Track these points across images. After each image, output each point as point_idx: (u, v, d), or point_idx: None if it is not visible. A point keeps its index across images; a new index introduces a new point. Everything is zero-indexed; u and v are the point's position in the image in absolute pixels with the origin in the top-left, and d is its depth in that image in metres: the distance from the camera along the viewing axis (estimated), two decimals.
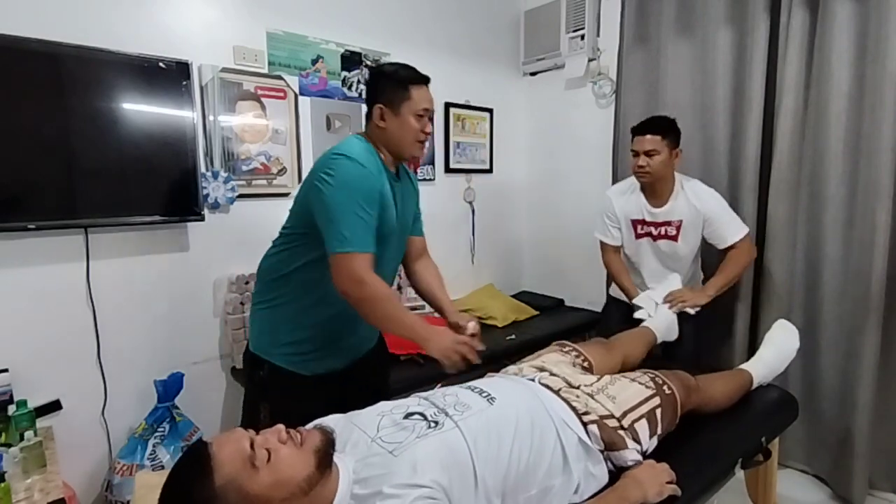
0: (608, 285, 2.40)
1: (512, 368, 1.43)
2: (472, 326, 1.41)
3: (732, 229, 1.91)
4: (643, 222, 2.01)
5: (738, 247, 1.91)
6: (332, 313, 1.34)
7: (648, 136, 1.88)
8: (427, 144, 1.39)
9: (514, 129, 3.16)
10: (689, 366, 1.58)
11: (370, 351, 1.52)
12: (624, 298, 2.10)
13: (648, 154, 1.87)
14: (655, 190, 1.95)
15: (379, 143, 1.35)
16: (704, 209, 1.91)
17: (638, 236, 2.04)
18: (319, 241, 1.24)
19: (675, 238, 1.96)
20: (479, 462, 0.95)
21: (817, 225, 2.01)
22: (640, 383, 1.30)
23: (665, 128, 1.89)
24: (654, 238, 2.01)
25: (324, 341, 1.36)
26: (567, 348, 1.54)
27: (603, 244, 2.14)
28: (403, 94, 1.31)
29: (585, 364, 1.49)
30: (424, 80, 1.36)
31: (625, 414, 1.20)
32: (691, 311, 1.87)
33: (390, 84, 1.33)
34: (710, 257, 2.08)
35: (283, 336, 1.36)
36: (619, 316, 2.11)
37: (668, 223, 1.96)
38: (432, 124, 1.38)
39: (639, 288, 2.07)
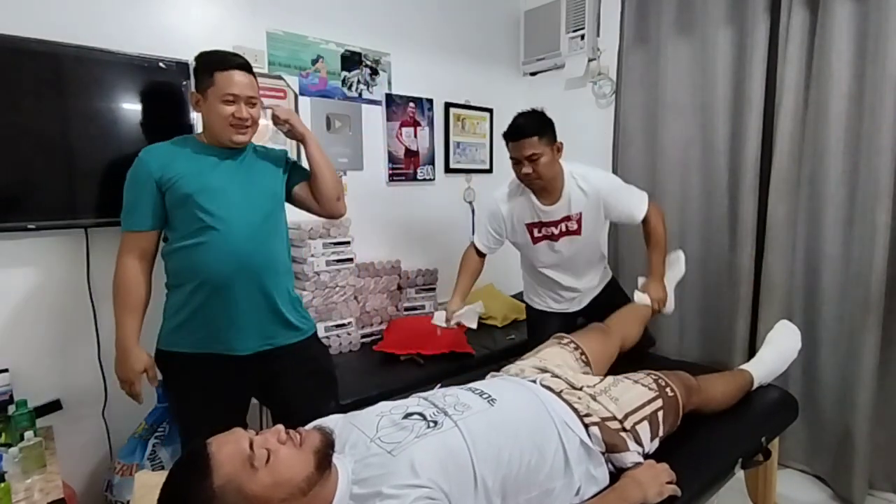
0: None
1: (513, 368, 1.44)
2: None
3: (636, 201, 1.81)
4: (540, 224, 1.85)
5: (648, 217, 1.81)
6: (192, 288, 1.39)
7: (524, 141, 1.69)
8: (252, 129, 1.41)
9: None
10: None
11: (291, 347, 1.48)
12: (548, 309, 2.02)
13: (531, 159, 1.69)
14: (546, 189, 1.79)
15: (205, 131, 1.43)
16: (599, 191, 1.78)
17: (535, 240, 1.89)
18: (168, 236, 1.41)
19: (577, 232, 1.83)
20: (479, 462, 0.95)
21: (817, 225, 2.01)
22: (643, 385, 1.31)
23: (538, 126, 1.71)
24: (555, 238, 1.86)
25: (199, 313, 1.40)
26: (566, 341, 1.54)
27: (471, 252, 1.96)
28: (209, 80, 1.34)
29: (584, 358, 1.50)
30: (232, 65, 1.35)
31: (627, 416, 1.20)
32: (668, 312, 1.81)
33: (199, 71, 1.38)
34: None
35: (169, 319, 1.46)
36: (556, 325, 1.95)
37: (568, 218, 1.81)
38: (256, 109, 1.40)
39: (559, 295, 1.99)
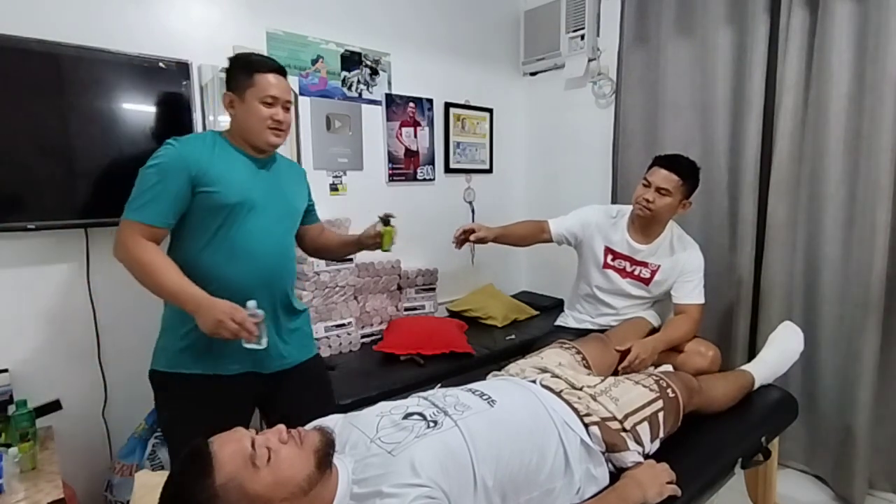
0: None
1: (513, 368, 1.44)
2: (378, 226, 1.53)
3: (697, 292, 1.82)
4: (619, 255, 1.90)
5: (688, 311, 1.80)
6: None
7: (666, 173, 1.75)
8: (286, 134, 1.40)
9: (513, 129, 3.16)
10: None
11: (293, 369, 1.45)
12: (571, 325, 2.05)
13: (660, 191, 1.75)
14: (646, 227, 1.85)
15: (235, 134, 1.37)
16: (686, 260, 1.82)
17: (606, 266, 1.93)
18: (177, 235, 1.32)
19: (647, 282, 1.88)
20: (479, 462, 0.95)
21: (817, 225, 2.01)
22: (643, 386, 1.31)
23: (688, 172, 1.78)
24: (624, 274, 1.90)
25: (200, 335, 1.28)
26: (567, 345, 1.56)
27: (540, 225, 2.00)
28: (248, 81, 1.32)
29: (584, 363, 1.51)
30: (271, 69, 1.35)
31: (627, 416, 1.20)
32: (640, 366, 1.67)
33: (236, 72, 1.34)
34: None
35: (169, 336, 1.36)
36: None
37: (646, 264, 1.87)
38: (289, 114, 1.40)
39: (585, 315, 2.01)
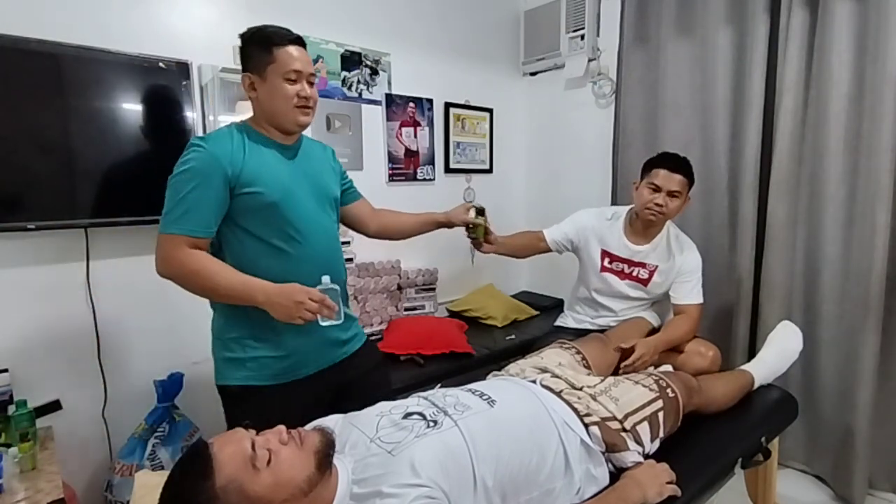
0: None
1: (513, 368, 1.44)
2: (471, 214, 1.51)
3: (695, 292, 1.81)
4: (617, 257, 1.89)
5: (687, 311, 1.80)
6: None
7: (680, 177, 1.73)
8: (314, 110, 1.29)
9: (513, 129, 3.16)
10: None
11: (350, 358, 1.40)
12: (570, 326, 2.03)
13: (672, 194, 1.73)
14: (645, 228, 1.84)
15: (260, 119, 1.27)
16: (684, 260, 1.82)
17: (603, 269, 1.91)
18: (224, 243, 1.23)
19: (645, 283, 1.87)
20: (479, 462, 0.95)
21: (817, 225, 2.01)
22: (643, 386, 1.31)
23: (690, 170, 1.78)
24: (622, 276, 1.89)
25: (267, 338, 1.25)
26: (567, 346, 1.56)
27: (536, 234, 1.98)
28: (268, 58, 1.20)
29: (584, 363, 1.51)
30: (291, 40, 1.23)
31: (627, 416, 1.20)
32: (640, 365, 1.66)
33: (252, 49, 1.23)
34: None
35: (232, 348, 1.26)
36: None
37: (643, 265, 1.86)
38: (315, 89, 1.28)
39: (584, 317, 2.01)
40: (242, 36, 1.27)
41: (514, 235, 2.01)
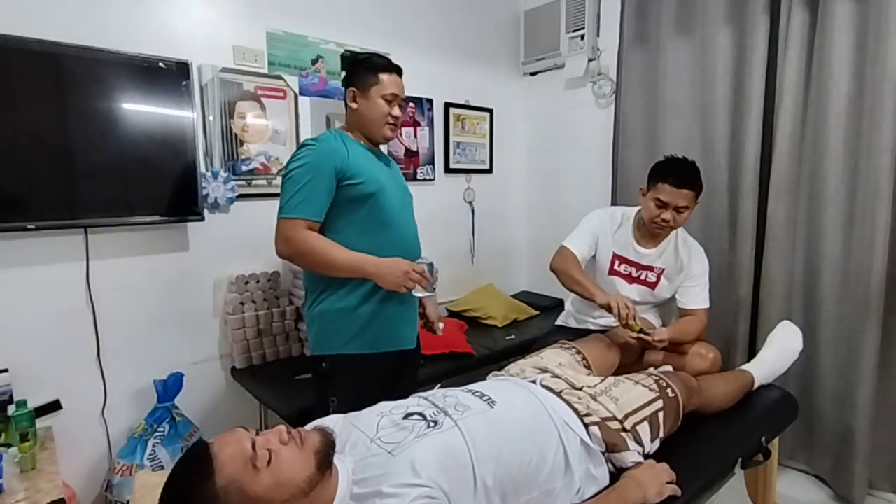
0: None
1: (513, 368, 1.44)
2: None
3: (702, 296, 1.80)
4: (626, 260, 1.86)
5: (696, 315, 1.78)
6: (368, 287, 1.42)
7: (685, 192, 1.66)
8: (397, 131, 1.55)
9: (513, 129, 3.16)
10: None
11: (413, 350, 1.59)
12: (571, 325, 2.02)
13: (679, 209, 1.67)
14: (653, 233, 1.81)
15: (353, 128, 1.51)
16: (691, 264, 1.80)
17: (612, 272, 1.88)
18: (329, 226, 1.40)
19: (652, 286, 1.86)
20: (479, 462, 0.95)
21: (817, 225, 2.01)
22: (643, 386, 1.31)
23: (699, 182, 1.70)
24: (630, 280, 1.87)
25: (371, 312, 1.43)
26: (567, 346, 1.56)
27: (564, 251, 1.86)
28: (374, 79, 1.45)
29: (584, 363, 1.51)
30: (396, 69, 1.49)
31: (627, 416, 1.20)
32: (659, 346, 1.67)
33: (361, 69, 1.47)
34: None
35: (338, 322, 1.43)
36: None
37: (651, 268, 1.84)
38: (402, 111, 1.53)
39: (585, 316, 1.96)
40: (353, 58, 1.54)
41: (583, 277, 1.78)
